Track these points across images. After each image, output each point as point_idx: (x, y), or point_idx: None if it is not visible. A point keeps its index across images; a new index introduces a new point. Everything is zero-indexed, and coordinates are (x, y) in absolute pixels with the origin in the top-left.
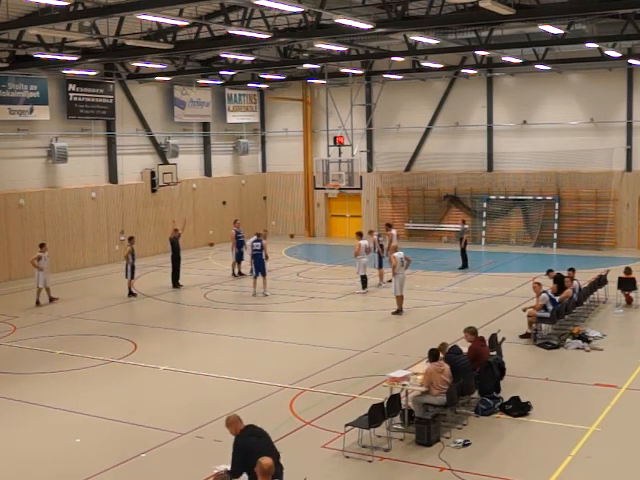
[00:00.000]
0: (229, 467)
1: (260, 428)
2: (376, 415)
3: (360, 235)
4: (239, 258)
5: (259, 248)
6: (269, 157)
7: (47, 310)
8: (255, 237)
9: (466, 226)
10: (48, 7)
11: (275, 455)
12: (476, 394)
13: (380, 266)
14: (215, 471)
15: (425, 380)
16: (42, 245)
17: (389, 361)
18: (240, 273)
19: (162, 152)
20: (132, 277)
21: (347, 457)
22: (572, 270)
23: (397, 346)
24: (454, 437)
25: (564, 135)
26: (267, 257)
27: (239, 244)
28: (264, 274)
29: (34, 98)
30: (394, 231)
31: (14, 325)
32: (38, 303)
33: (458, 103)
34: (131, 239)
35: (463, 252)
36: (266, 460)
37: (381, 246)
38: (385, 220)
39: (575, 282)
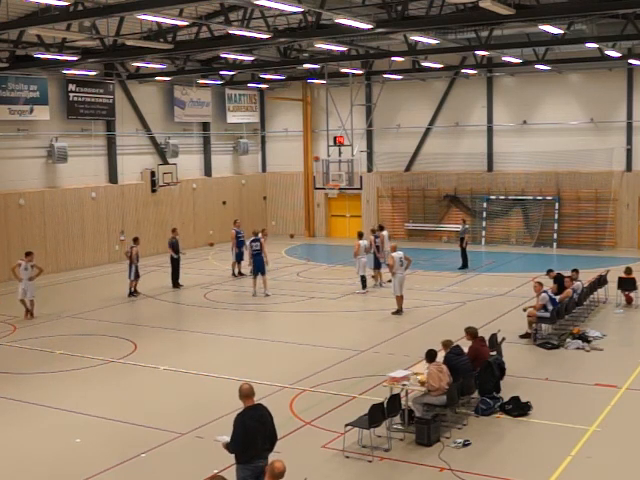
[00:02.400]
0: (230, 439)
1: (266, 410)
2: (376, 415)
3: (361, 235)
4: (239, 258)
5: (258, 248)
6: (269, 157)
7: (47, 310)
8: (253, 237)
9: (467, 226)
10: (48, 7)
11: (273, 439)
12: (476, 394)
13: (377, 267)
14: (217, 439)
15: (436, 382)
16: (28, 254)
17: (389, 361)
18: (240, 273)
19: (162, 152)
20: (137, 278)
21: (347, 457)
22: (575, 271)
23: (397, 346)
24: (454, 437)
25: (564, 135)
26: (267, 262)
27: (239, 244)
28: (263, 273)
29: (34, 98)
30: (385, 232)
31: (14, 325)
32: (28, 312)
33: (458, 103)
34: (136, 240)
35: (464, 252)
36: (279, 464)
37: (377, 247)
38: (385, 220)
39: (579, 283)
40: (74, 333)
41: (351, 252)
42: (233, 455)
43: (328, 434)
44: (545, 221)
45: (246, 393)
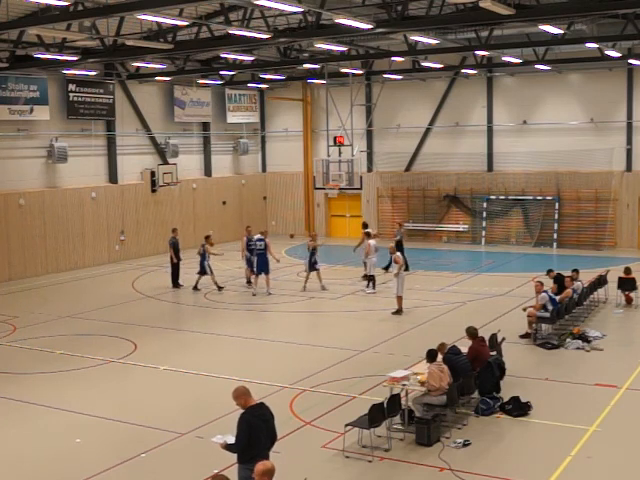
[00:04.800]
0: (228, 439)
1: (268, 409)
2: (376, 415)
3: (368, 235)
4: (251, 264)
5: (262, 247)
6: (269, 157)
7: (47, 310)
8: (259, 235)
9: (403, 229)
10: (48, 7)
11: (274, 438)
12: (476, 394)
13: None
14: (213, 440)
15: (437, 382)
16: None
17: (389, 361)
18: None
19: (162, 152)
20: (211, 273)
21: (347, 457)
22: (576, 271)
23: (397, 346)
24: (454, 437)
25: (564, 135)
26: (277, 260)
27: (250, 252)
28: (267, 273)
29: (34, 98)
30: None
31: (14, 325)
32: None
33: (458, 103)
34: (208, 238)
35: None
36: (269, 464)
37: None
38: (385, 220)
39: (579, 283)
40: (74, 333)
41: (351, 252)
42: (233, 454)
43: (328, 434)
44: (545, 221)
45: (243, 391)
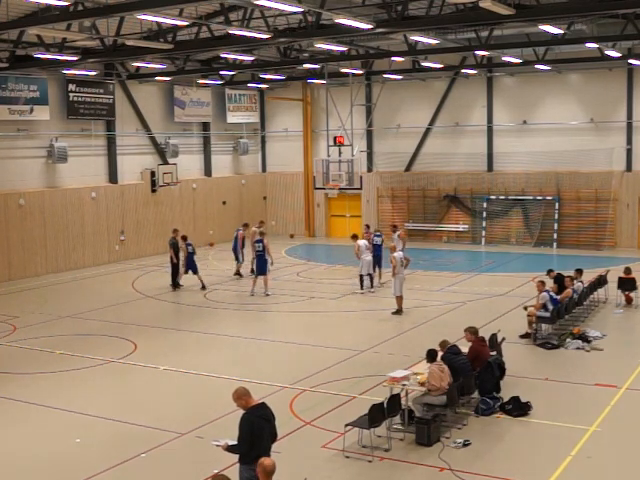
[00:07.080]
0: (229, 441)
1: (269, 409)
2: (376, 415)
3: (355, 237)
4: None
5: (261, 249)
6: (269, 157)
7: (47, 310)
8: (258, 237)
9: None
10: (48, 7)
11: (274, 437)
12: (476, 394)
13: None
14: (213, 444)
15: (437, 382)
16: None
17: (389, 361)
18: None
19: (162, 152)
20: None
21: (347, 457)
22: (579, 271)
23: (397, 346)
24: (454, 437)
25: (564, 135)
26: (272, 262)
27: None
28: (265, 274)
29: (34, 98)
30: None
31: (14, 325)
32: None
33: (458, 103)
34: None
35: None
36: (269, 461)
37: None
38: (385, 220)
39: (579, 284)
40: (74, 333)
41: (350, 252)
42: (234, 455)
43: (328, 434)
44: (545, 221)
45: (244, 392)
